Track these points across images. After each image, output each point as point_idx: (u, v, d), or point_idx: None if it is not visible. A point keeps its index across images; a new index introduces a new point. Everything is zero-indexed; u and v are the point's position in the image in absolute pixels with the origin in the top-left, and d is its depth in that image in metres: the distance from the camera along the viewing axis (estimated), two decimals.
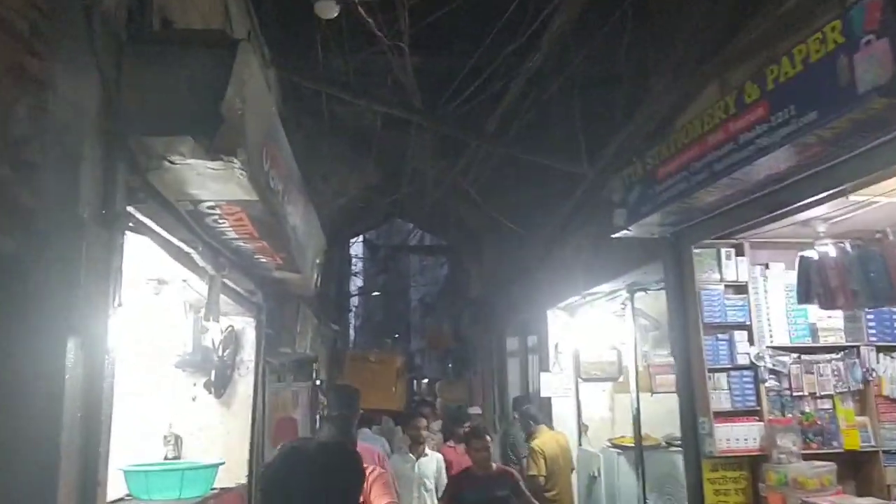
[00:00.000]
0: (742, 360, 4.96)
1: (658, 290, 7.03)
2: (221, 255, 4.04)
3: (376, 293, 29.40)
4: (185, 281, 4.10)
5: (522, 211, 9.27)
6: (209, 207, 3.16)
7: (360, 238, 23.09)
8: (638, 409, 7.09)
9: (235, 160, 2.62)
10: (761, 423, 4.90)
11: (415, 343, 37.30)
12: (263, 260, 4.40)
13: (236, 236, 3.66)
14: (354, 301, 39.24)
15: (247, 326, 5.60)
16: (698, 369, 4.95)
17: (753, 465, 4.97)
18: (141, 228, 2.81)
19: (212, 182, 2.83)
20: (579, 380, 8.88)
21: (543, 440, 7.71)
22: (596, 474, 8.32)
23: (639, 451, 7.02)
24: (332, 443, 2.93)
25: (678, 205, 4.41)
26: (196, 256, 3.56)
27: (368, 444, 6.73)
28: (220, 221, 3.38)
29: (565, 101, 6.13)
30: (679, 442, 8.05)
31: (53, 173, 2.27)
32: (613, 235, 5.29)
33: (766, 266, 5.13)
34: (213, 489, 3.98)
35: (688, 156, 4.17)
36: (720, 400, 4.93)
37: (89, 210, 2.39)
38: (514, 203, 9.33)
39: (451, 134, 6.00)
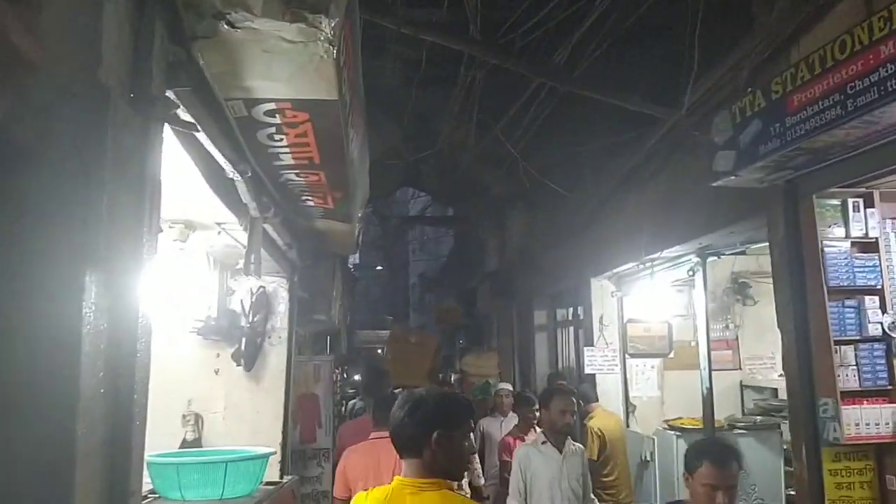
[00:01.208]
0: (873, 331, 4.17)
1: (735, 253, 6.27)
2: (265, 192, 3.22)
3: (379, 267, 28.49)
4: (220, 225, 3.29)
5: (565, 171, 8.44)
6: (268, 113, 2.33)
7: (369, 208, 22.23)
8: (711, 388, 6.31)
9: (324, 23, 1.79)
10: (895, 406, 4.13)
11: (414, 320, 36.66)
12: (311, 203, 3.59)
13: (292, 162, 2.84)
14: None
15: (279, 288, 4.82)
16: (822, 341, 4.16)
17: (880, 454, 4.21)
18: (179, 125, 1.98)
19: (282, 65, 2.01)
20: (626, 355, 8.13)
21: (601, 420, 6.97)
22: (648, 458, 7.59)
23: (711, 433, 6.26)
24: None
25: (817, 139, 3.60)
26: (241, 186, 2.74)
27: None
28: (277, 138, 2.56)
29: (639, 37, 5.30)
30: (743, 423, 7.39)
31: (63, 14, 1.44)
32: (715, 183, 4.48)
33: None
34: (260, 484, 3.18)
35: (842, 76, 3.35)
36: (847, 378, 4.14)
37: (115, 80, 1.57)
38: (556, 164, 8.49)
39: (513, 68, 5.15)
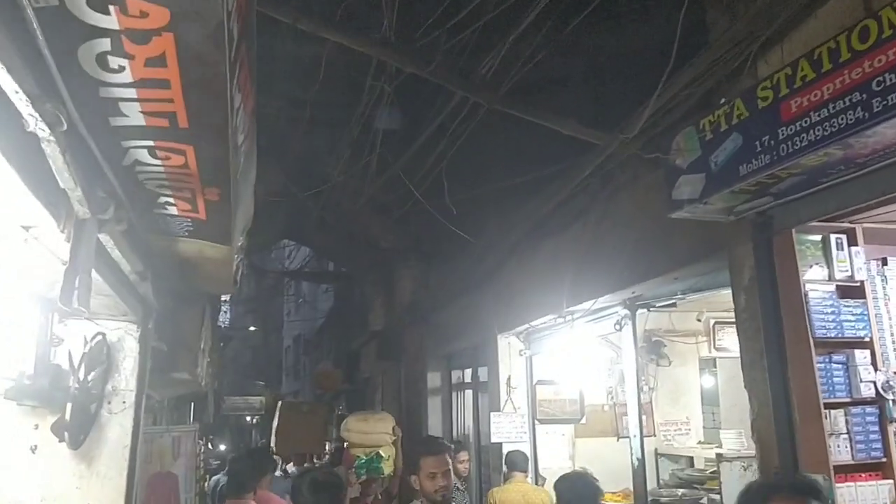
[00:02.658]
0: (865, 391, 3.50)
1: (665, 305, 5.62)
2: (99, 178, 2.17)
3: (252, 328, 26.75)
4: (27, 230, 2.18)
5: (468, 215, 7.65)
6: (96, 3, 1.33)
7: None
8: (642, 457, 5.53)
9: None
10: (890, 483, 3.46)
11: (287, 385, 34.83)
12: (175, 209, 2.53)
13: (142, 121, 1.80)
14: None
15: (126, 336, 3.65)
16: (808, 404, 3.44)
17: None
18: None
19: None
20: (535, 421, 7.30)
21: (505, 494, 6.02)
22: None
23: None
24: None
25: (823, 152, 2.93)
26: (54, 153, 1.70)
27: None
28: (116, 63, 1.54)
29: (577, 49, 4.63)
30: (667, 499, 6.66)
31: None
32: (674, 214, 3.76)
33: (884, 262, 3.74)
34: None
35: (865, 70, 2.71)
36: (838, 449, 3.44)
37: None
38: (458, 207, 7.70)
39: (432, 78, 4.31)
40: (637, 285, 5.01)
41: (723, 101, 3.48)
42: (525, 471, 6.26)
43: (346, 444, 11.25)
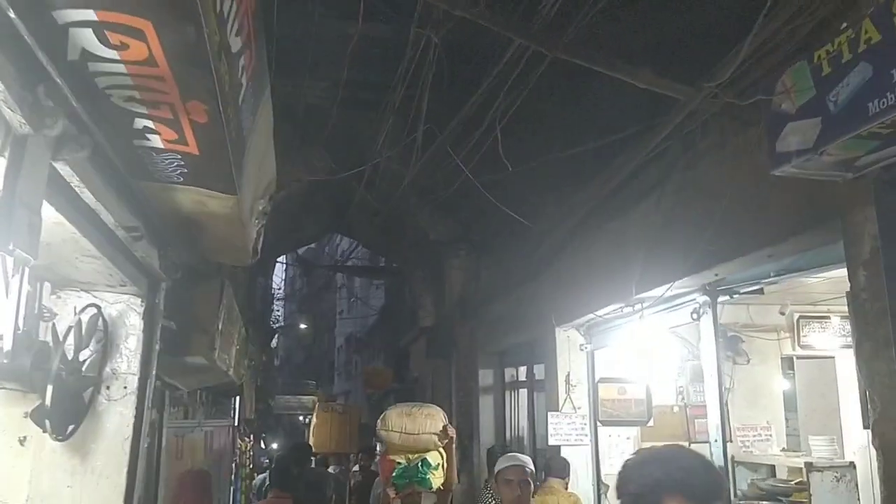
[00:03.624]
0: None
1: (751, 292, 4.91)
2: (43, 84, 1.64)
3: (303, 326, 26.54)
4: None
5: (523, 197, 7.03)
6: None
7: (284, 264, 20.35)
8: (725, 465, 4.84)
9: None
10: None
11: (339, 385, 34.67)
12: (156, 138, 2.00)
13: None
14: (274, 340, 36.33)
15: (128, 311, 3.15)
16: None
17: None
18: None
19: None
20: (598, 423, 6.64)
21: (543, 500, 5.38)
22: None
23: None
24: None
25: None
26: None
27: None
28: None
29: None
30: None
31: None
32: (778, 171, 3.10)
33: None
34: None
35: None
36: None
37: None
38: (512, 187, 7.07)
39: (484, 23, 3.72)
40: (721, 265, 4.32)
41: (844, 25, 2.81)
42: (563, 477, 5.62)
43: (378, 445, 10.86)
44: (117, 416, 3.07)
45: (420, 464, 5.55)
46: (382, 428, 5.63)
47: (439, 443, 5.60)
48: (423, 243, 11.95)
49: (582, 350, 6.79)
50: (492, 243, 9.22)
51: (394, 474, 5.57)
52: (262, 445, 26.37)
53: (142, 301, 3.13)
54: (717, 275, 4.56)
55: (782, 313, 6.73)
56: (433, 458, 5.62)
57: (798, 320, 6.83)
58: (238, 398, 8.86)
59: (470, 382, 9.93)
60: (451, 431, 5.65)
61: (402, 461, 5.58)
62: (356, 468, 8.41)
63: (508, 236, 8.09)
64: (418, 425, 5.56)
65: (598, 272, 5.79)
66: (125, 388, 3.09)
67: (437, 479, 5.56)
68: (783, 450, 6.75)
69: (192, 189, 2.40)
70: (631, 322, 5.81)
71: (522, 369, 8.66)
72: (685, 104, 3.90)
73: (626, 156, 4.94)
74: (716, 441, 4.87)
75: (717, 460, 4.80)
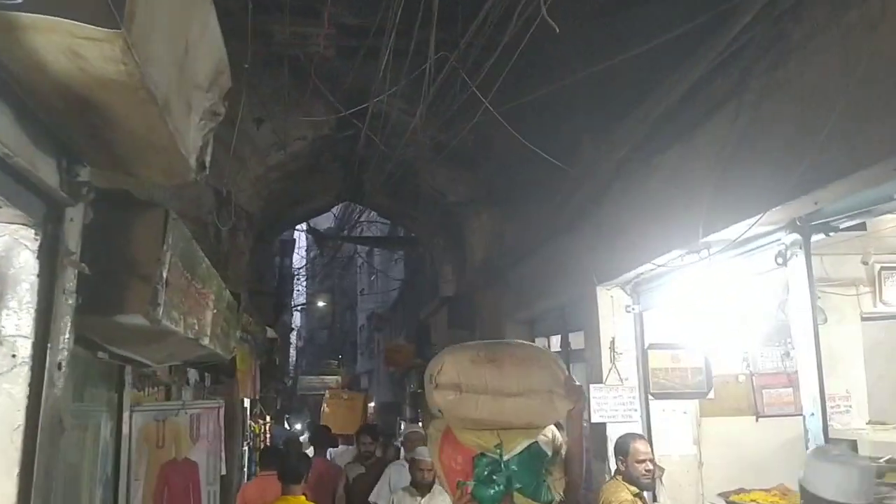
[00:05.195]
0: None
1: (853, 227, 3.89)
2: None
3: (321, 303, 25.81)
4: None
5: (553, 132, 6.04)
6: None
7: (304, 236, 19.55)
8: (827, 441, 3.84)
9: None
10: None
11: (361, 364, 34.15)
12: None
13: None
14: (297, 320, 35.80)
15: (15, 247, 2.21)
16: None
17: None
18: None
19: None
20: (649, 396, 5.68)
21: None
22: None
23: None
24: None
25: None
26: None
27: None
28: None
29: None
30: None
31: None
32: None
33: None
34: None
35: None
36: None
37: None
38: (541, 123, 6.07)
39: None
40: (825, 188, 3.30)
41: None
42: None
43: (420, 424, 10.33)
44: (3, 396, 2.15)
45: (526, 454, 3.25)
46: (439, 387, 3.23)
47: (558, 411, 3.29)
48: (442, 207, 11.02)
49: (629, 312, 5.80)
50: (517, 199, 8.23)
51: (475, 474, 3.22)
52: (287, 426, 25.79)
53: (36, 233, 2.19)
54: (816, 203, 3.54)
55: (865, 263, 5.72)
56: (548, 442, 3.34)
57: (880, 272, 5.84)
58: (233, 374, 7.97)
59: None
60: (577, 392, 3.29)
61: (489, 449, 3.24)
62: (351, 460, 7.47)
63: (537, 188, 7.10)
64: (516, 379, 3.20)
65: (651, 214, 4.78)
66: (13, 356, 2.16)
67: (557, 483, 3.29)
68: (870, 422, 5.75)
69: (43, 20, 1.45)
70: (691, 274, 4.81)
71: (556, 339, 7.69)
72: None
73: (686, 64, 3.93)
74: (812, 415, 3.86)
75: (815, 438, 3.81)
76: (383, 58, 6.41)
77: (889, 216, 3.83)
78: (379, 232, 18.33)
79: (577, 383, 3.40)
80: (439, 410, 3.32)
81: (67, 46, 1.56)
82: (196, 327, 3.61)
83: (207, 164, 2.41)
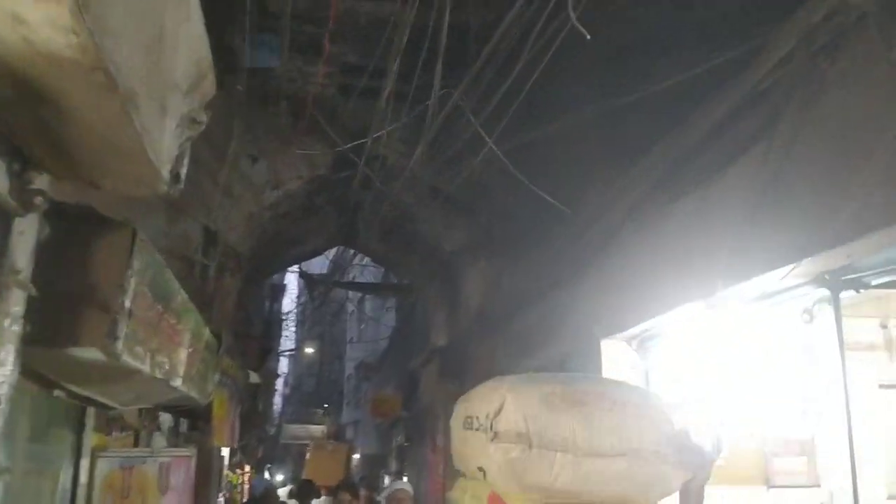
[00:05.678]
0: None
1: (887, 284, 3.61)
2: None
3: (310, 350, 25.34)
4: None
5: (555, 187, 5.78)
6: None
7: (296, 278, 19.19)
8: None
9: None
10: None
11: (347, 414, 33.43)
12: None
13: None
14: (284, 366, 35.26)
15: None
16: None
17: None
18: None
19: None
20: None
21: None
22: None
23: None
24: None
25: None
26: None
27: None
28: None
29: None
30: None
31: None
32: None
33: None
34: None
35: None
36: None
37: None
38: (545, 183, 5.81)
39: None
40: (860, 240, 3.02)
41: None
42: None
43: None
44: None
45: None
46: (499, 437, 2.27)
47: (668, 483, 2.39)
48: (437, 254, 10.74)
49: (635, 369, 5.46)
50: (517, 247, 7.95)
51: None
52: (268, 476, 24.97)
53: None
54: (849, 256, 3.25)
55: (884, 326, 5.42)
56: None
57: None
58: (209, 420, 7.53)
59: None
60: (696, 456, 2.43)
61: None
62: None
63: (538, 235, 6.82)
64: (610, 433, 2.30)
65: (664, 264, 4.48)
66: None
67: None
68: (891, 497, 5.37)
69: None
70: (704, 329, 4.50)
71: None
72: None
73: (710, 102, 3.69)
74: (840, 489, 3.51)
75: None
76: (384, 98, 6.21)
77: None
78: (372, 277, 17.99)
79: (697, 442, 2.48)
80: (482, 469, 2.37)
81: (8, 9, 1.27)
82: (167, 366, 3.26)
83: (182, 177, 2.10)
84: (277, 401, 35.88)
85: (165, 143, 1.99)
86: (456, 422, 2.63)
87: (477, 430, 2.36)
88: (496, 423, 2.27)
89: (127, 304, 2.31)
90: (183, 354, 3.62)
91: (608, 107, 4.10)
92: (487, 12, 5.10)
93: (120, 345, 2.30)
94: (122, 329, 2.32)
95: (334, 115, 8.52)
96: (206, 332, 4.48)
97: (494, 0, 4.97)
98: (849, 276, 3.51)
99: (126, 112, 1.64)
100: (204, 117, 2.25)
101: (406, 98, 6.36)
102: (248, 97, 7.95)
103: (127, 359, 2.40)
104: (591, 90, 4.83)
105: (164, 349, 3.17)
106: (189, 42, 1.97)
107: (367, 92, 7.51)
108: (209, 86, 2.27)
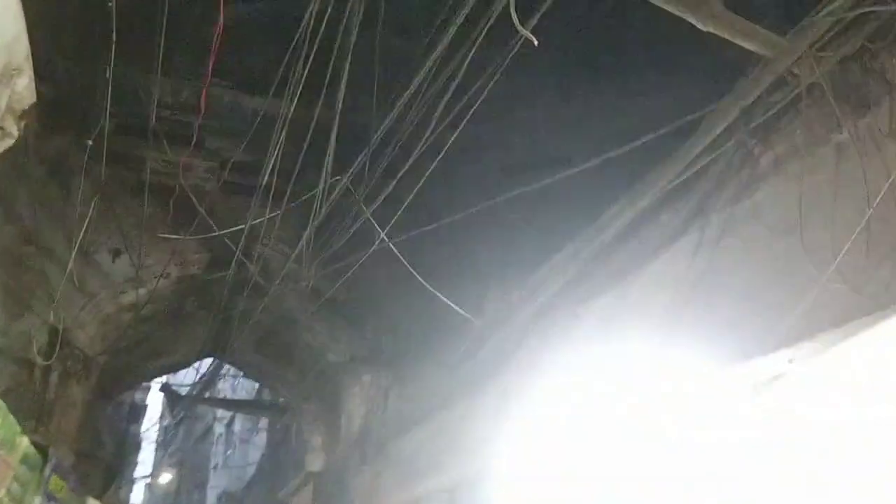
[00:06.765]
0: None
1: None
2: None
3: (168, 476, 23.08)
4: None
5: (453, 289, 5.30)
6: None
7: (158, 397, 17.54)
8: None
9: None
10: None
11: None
12: None
13: None
14: (138, 495, 31.95)
15: None
16: None
17: None
18: None
19: None
20: None
21: None
22: None
23: None
24: None
25: None
26: None
27: None
28: None
29: None
30: None
31: None
32: None
33: None
34: None
35: None
36: None
37: None
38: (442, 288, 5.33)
39: None
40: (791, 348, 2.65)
41: None
42: None
43: None
44: None
45: None
46: None
47: None
48: (319, 366, 9.92)
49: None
50: (405, 361, 7.35)
51: None
52: None
53: None
54: (791, 360, 2.88)
55: None
56: None
57: None
58: None
59: None
60: None
61: None
62: None
63: (430, 349, 6.29)
64: None
65: (574, 376, 4.01)
66: None
67: None
68: None
69: None
70: None
71: None
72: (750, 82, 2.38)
73: (628, 193, 3.36)
74: None
75: None
76: (259, 191, 5.70)
77: None
78: (245, 393, 16.68)
79: None
80: None
81: None
82: None
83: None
84: None
85: None
86: None
87: None
88: None
89: None
90: None
91: (504, 220, 3.71)
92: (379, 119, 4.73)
93: None
94: None
95: (212, 211, 7.85)
96: (24, 443, 3.58)
97: (386, 105, 4.64)
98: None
99: None
100: (15, 130, 1.63)
101: (286, 196, 5.87)
102: (115, 185, 7.24)
103: None
104: (487, 197, 4.45)
105: None
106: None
107: (249, 189, 6.97)
108: (26, 91, 1.66)
